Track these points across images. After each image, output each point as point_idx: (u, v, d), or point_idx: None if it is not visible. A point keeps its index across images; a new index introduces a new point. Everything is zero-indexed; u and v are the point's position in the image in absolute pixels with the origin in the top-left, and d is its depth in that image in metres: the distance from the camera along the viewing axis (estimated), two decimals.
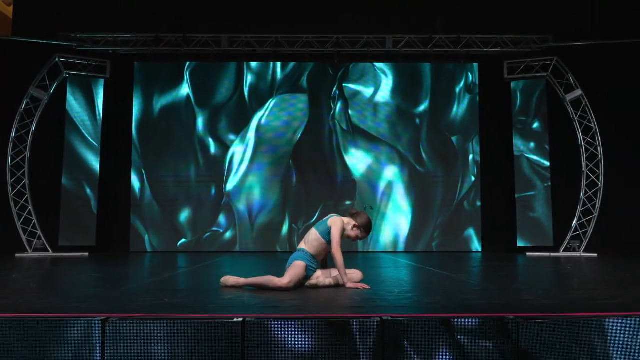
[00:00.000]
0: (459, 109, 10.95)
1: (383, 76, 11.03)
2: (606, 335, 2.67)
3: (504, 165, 10.40)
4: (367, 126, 10.90)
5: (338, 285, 4.18)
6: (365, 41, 10.31)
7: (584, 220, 9.51)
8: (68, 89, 9.78)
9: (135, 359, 2.57)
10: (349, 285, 4.10)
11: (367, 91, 10.98)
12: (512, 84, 10.24)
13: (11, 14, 8.79)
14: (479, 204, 10.74)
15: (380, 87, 10.99)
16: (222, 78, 10.95)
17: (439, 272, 5.83)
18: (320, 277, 4.22)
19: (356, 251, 10.49)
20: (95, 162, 9.82)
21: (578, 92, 9.66)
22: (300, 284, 4.13)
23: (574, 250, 9.44)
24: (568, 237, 9.53)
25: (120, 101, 10.61)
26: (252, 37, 10.28)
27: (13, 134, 9.27)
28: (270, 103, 10.90)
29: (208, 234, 10.62)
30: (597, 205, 9.44)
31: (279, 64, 11.02)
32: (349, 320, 2.63)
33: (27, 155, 9.30)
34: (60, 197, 9.57)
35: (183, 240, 10.56)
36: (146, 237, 10.52)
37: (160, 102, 10.85)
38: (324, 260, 4.40)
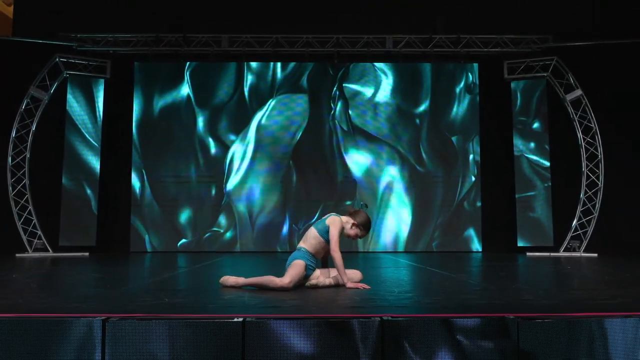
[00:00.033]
0: (459, 109, 10.96)
1: (383, 76, 11.03)
2: (606, 335, 2.67)
3: (504, 165, 10.40)
4: (367, 126, 10.91)
5: (338, 285, 4.18)
6: (365, 41, 10.31)
7: (584, 220, 9.51)
8: (68, 89, 9.79)
9: (136, 358, 2.57)
10: (349, 285, 4.10)
11: (367, 91, 10.98)
12: (512, 84, 10.24)
13: (11, 14, 8.79)
14: (479, 204, 10.74)
15: (380, 87, 10.99)
16: (222, 78, 10.95)
17: (439, 272, 5.83)
18: (320, 277, 4.22)
19: (356, 251, 10.49)
20: (95, 162, 9.82)
21: (578, 92, 9.66)
22: (300, 284, 4.13)
23: (574, 250, 9.44)
24: (568, 237, 9.53)
25: (120, 101, 10.61)
26: (252, 37, 10.28)
27: (13, 134, 9.28)
28: (271, 103, 10.91)
29: (208, 234, 10.62)
30: (597, 205, 9.44)
31: (279, 64, 11.02)
32: (349, 320, 2.63)
33: (28, 155, 9.31)
34: (61, 197, 9.57)
35: (183, 240, 10.57)
36: (146, 237, 10.52)
37: (160, 102, 10.85)
38: (324, 260, 4.41)
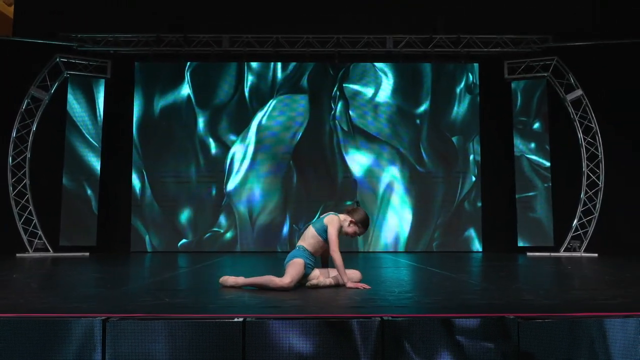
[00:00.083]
0: (459, 109, 10.96)
1: (383, 76, 11.03)
2: (606, 335, 2.67)
3: (505, 166, 10.40)
4: (367, 126, 10.91)
5: (338, 285, 4.17)
6: (365, 41, 10.31)
7: (584, 220, 9.51)
8: (69, 89, 9.79)
9: (136, 358, 2.57)
10: (349, 285, 4.10)
11: (368, 91, 10.99)
12: (513, 84, 10.24)
13: (12, 14, 8.79)
14: (479, 204, 10.74)
15: (380, 87, 10.99)
16: (223, 78, 10.95)
17: (440, 272, 5.83)
18: (321, 277, 4.21)
19: (356, 251, 10.50)
20: (95, 162, 9.83)
21: (578, 92, 9.66)
22: (300, 283, 4.12)
23: (575, 250, 9.44)
24: (568, 237, 9.53)
25: (120, 101, 10.62)
26: (253, 37, 10.29)
27: (14, 134, 9.28)
28: (271, 103, 10.91)
29: (208, 234, 10.62)
30: (598, 205, 9.43)
31: (279, 64, 11.02)
32: (349, 320, 2.63)
33: (28, 155, 9.31)
34: (61, 197, 9.58)
35: (184, 240, 10.57)
36: (147, 237, 10.53)
37: (160, 102, 10.86)
38: (324, 260, 4.40)
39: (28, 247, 9.13)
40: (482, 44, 10.30)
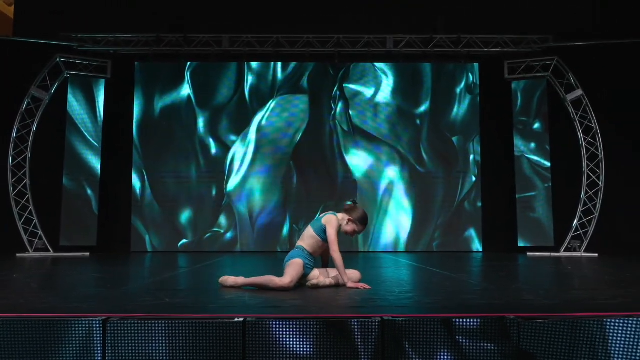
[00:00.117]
0: (459, 109, 10.96)
1: (384, 76, 11.03)
2: (607, 335, 2.67)
3: (505, 166, 10.40)
4: (367, 126, 10.91)
5: (338, 285, 4.17)
6: (366, 41, 10.31)
7: (584, 220, 9.50)
8: (69, 89, 9.79)
9: (136, 359, 2.57)
10: (349, 285, 4.10)
11: (368, 91, 10.99)
12: (513, 84, 10.24)
13: (12, 14, 8.79)
14: (479, 204, 10.74)
15: (380, 87, 10.99)
16: (223, 78, 10.95)
17: (440, 272, 5.83)
18: (321, 277, 4.21)
19: (357, 251, 10.50)
20: (96, 162, 9.83)
21: (579, 92, 9.65)
22: (299, 283, 4.13)
23: (575, 250, 9.44)
24: (569, 237, 9.53)
25: (121, 101, 10.62)
26: (253, 37, 10.29)
27: (14, 134, 9.28)
28: (271, 104, 10.91)
29: (209, 234, 10.62)
30: (598, 205, 9.43)
31: (279, 65, 11.02)
32: (349, 320, 2.63)
33: (28, 155, 9.31)
34: (61, 197, 9.58)
35: (184, 240, 10.57)
36: (147, 237, 10.53)
37: (161, 103, 10.86)
38: (324, 260, 4.40)
39: (28, 247, 9.13)
40: (482, 44, 10.29)
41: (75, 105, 9.83)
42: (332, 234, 4.12)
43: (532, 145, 10.05)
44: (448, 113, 10.95)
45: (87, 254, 9.21)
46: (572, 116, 9.74)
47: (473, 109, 10.95)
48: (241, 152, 10.81)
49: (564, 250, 9.52)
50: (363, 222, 4.27)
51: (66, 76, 9.76)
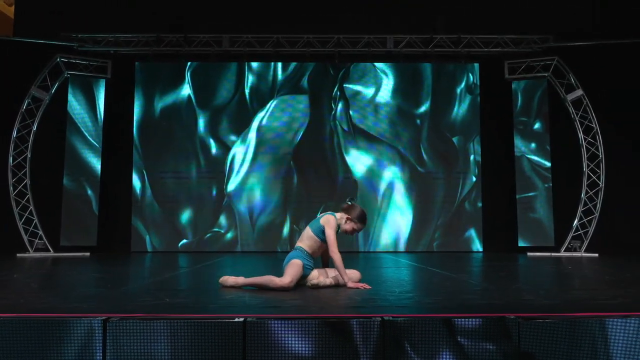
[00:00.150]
0: (459, 109, 10.96)
1: (384, 76, 11.03)
2: (607, 335, 2.67)
3: (505, 166, 10.40)
4: (367, 126, 10.91)
5: (338, 285, 4.17)
6: (366, 41, 10.31)
7: (585, 220, 9.50)
8: (69, 89, 9.80)
9: (137, 359, 2.57)
10: (350, 285, 4.10)
11: (368, 91, 10.99)
12: (513, 84, 10.24)
13: (12, 14, 8.80)
14: (479, 204, 10.74)
15: (381, 87, 10.99)
16: (223, 78, 10.96)
17: (440, 272, 5.83)
18: (321, 277, 4.21)
19: (357, 251, 10.50)
20: (96, 163, 9.83)
21: (579, 92, 9.65)
22: (299, 283, 4.13)
23: (575, 250, 9.43)
24: (569, 237, 9.53)
25: (121, 101, 10.63)
26: (253, 37, 10.29)
27: (14, 134, 9.28)
28: (271, 104, 10.91)
29: (209, 234, 10.62)
30: (598, 205, 9.42)
31: (279, 65, 11.02)
32: (349, 321, 2.63)
33: (29, 155, 9.31)
34: (62, 197, 9.59)
35: (184, 240, 10.57)
36: (147, 237, 10.53)
37: (161, 103, 10.86)
38: (324, 260, 4.40)
39: (28, 247, 9.13)
40: (482, 44, 10.29)
41: (75, 105, 9.83)
42: (330, 234, 4.13)
43: (533, 145, 10.05)
44: (448, 113, 10.95)
45: (88, 254, 9.21)
46: (573, 116, 9.74)
47: (473, 109, 10.95)
48: (241, 152, 10.81)
49: (564, 250, 9.52)
50: (362, 219, 4.28)
51: (66, 76, 9.76)
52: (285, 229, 10.64)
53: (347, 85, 10.98)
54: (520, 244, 9.86)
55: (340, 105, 10.94)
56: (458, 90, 11.00)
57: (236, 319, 2.63)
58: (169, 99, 10.88)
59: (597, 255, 9.10)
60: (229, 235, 10.64)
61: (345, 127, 10.91)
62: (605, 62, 9.90)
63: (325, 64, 10.91)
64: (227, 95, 10.93)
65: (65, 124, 9.72)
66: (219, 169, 10.80)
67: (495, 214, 10.60)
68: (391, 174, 10.82)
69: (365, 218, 4.31)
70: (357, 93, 10.99)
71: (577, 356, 2.64)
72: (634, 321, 2.70)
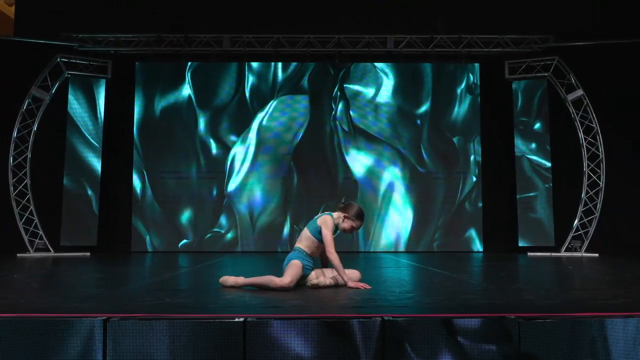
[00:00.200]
0: (460, 110, 10.95)
1: (384, 76, 11.03)
2: (607, 335, 2.67)
3: (505, 166, 10.40)
4: (368, 127, 10.91)
5: (338, 285, 4.17)
6: (366, 41, 10.31)
7: (585, 220, 9.50)
8: (69, 89, 9.80)
9: (137, 358, 2.58)
10: (350, 284, 4.10)
11: (368, 91, 10.99)
12: (514, 84, 10.23)
13: (13, 14, 8.80)
14: (480, 204, 10.74)
15: (381, 87, 10.99)
16: (224, 79, 10.96)
17: (440, 272, 5.83)
18: (321, 277, 4.22)
19: (357, 251, 10.49)
20: (96, 163, 9.83)
21: (579, 92, 9.65)
22: (299, 283, 4.13)
23: (575, 250, 9.43)
24: (569, 237, 9.52)
25: (121, 101, 10.62)
26: (254, 37, 10.29)
27: (15, 134, 9.29)
28: (272, 104, 10.91)
29: (209, 234, 10.62)
30: (599, 205, 9.42)
31: (280, 65, 11.02)
32: (350, 321, 2.63)
33: (29, 155, 9.32)
34: (62, 197, 9.59)
35: (184, 241, 10.57)
36: (147, 237, 10.53)
37: (161, 103, 10.86)
38: (324, 260, 4.40)
39: (29, 247, 9.13)
40: (482, 44, 10.29)
41: (75, 105, 9.83)
42: (327, 235, 4.13)
43: (533, 145, 10.04)
44: (448, 113, 10.95)
45: (88, 254, 9.21)
46: (573, 116, 9.74)
47: (473, 109, 10.95)
48: (242, 153, 10.81)
49: (565, 250, 9.51)
50: (359, 217, 4.28)
51: (67, 76, 9.76)
52: (286, 229, 10.64)
53: (347, 86, 10.98)
54: (521, 244, 9.86)
55: (340, 106, 10.94)
56: (458, 90, 11.00)
57: (236, 319, 2.63)
58: (169, 99, 10.88)
59: (597, 255, 9.10)
60: (229, 235, 10.64)
61: (346, 127, 10.91)
62: (606, 62, 9.89)
63: (326, 64, 10.91)
64: (227, 95, 10.93)
65: (65, 124, 9.72)
66: (219, 169, 10.80)
67: (496, 214, 10.60)
68: (391, 174, 10.82)
69: (363, 215, 4.32)
70: (358, 93, 10.99)
71: (578, 356, 2.64)
72: (635, 321, 2.70)
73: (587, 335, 2.66)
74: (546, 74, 9.96)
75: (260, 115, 10.87)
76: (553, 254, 9.36)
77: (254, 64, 11.01)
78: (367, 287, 4.08)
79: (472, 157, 10.86)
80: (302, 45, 10.30)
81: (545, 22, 9.96)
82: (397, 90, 10.98)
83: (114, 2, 9.67)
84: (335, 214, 4.29)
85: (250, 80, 10.98)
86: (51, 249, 9.23)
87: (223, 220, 10.67)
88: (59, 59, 9.63)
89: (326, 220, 4.19)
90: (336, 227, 4.26)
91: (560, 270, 6.45)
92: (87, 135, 9.82)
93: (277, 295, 3.71)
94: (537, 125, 10.07)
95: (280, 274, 4.11)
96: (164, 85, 10.90)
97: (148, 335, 2.59)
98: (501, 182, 10.57)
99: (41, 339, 2.60)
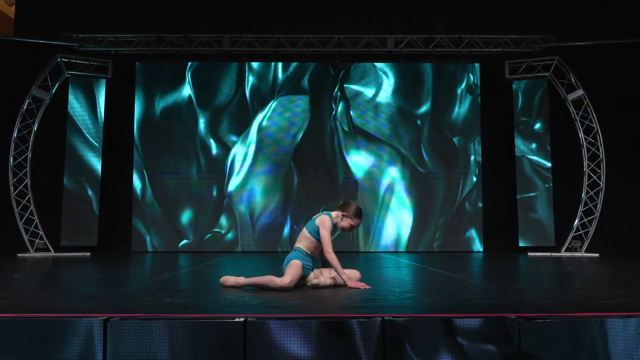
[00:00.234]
0: (460, 110, 10.95)
1: (384, 76, 11.03)
2: (607, 335, 2.67)
3: (505, 166, 10.40)
4: (368, 127, 10.90)
5: (338, 285, 4.17)
6: (366, 41, 10.31)
7: (585, 220, 9.50)
8: (70, 89, 9.80)
9: (137, 358, 2.58)
10: (350, 284, 4.10)
11: (369, 92, 10.98)
12: (514, 84, 10.23)
13: (13, 14, 8.80)
14: (480, 204, 10.73)
15: (381, 87, 10.99)
16: (224, 79, 10.96)
17: (441, 272, 5.83)
18: (321, 277, 4.22)
19: (357, 251, 10.49)
20: (96, 163, 9.83)
21: (579, 92, 9.65)
22: (299, 283, 4.13)
23: (576, 250, 9.43)
24: (569, 237, 9.52)
25: (121, 101, 10.62)
26: (254, 37, 10.29)
27: (15, 134, 9.29)
28: (272, 104, 10.91)
29: (209, 234, 10.62)
30: (599, 205, 9.42)
31: (280, 65, 11.02)
32: (350, 320, 2.63)
33: (29, 156, 9.32)
34: (62, 197, 9.59)
35: (185, 241, 10.57)
36: (147, 237, 10.53)
37: (161, 103, 10.86)
38: (324, 260, 4.40)
39: (29, 247, 9.13)
40: (483, 43, 10.29)
41: (76, 105, 9.83)
42: (324, 234, 4.13)
43: (533, 145, 10.04)
44: (449, 113, 10.95)
45: (88, 254, 9.21)
46: (573, 116, 9.74)
47: (474, 109, 10.95)
48: (242, 153, 10.81)
49: (565, 250, 9.51)
50: (358, 215, 4.29)
51: (67, 76, 9.77)
52: (286, 229, 10.64)
53: (347, 86, 10.98)
54: (521, 244, 9.86)
55: (340, 106, 10.94)
56: (459, 91, 10.99)
57: (236, 319, 2.63)
58: (169, 99, 10.88)
59: (597, 255, 9.10)
60: (229, 235, 10.64)
61: (346, 128, 10.91)
62: (606, 62, 9.89)
63: (326, 64, 10.91)
64: (227, 95, 10.93)
65: (65, 124, 9.72)
66: (219, 169, 10.80)
67: (496, 214, 10.59)
68: (392, 174, 10.82)
69: (361, 213, 4.33)
70: (358, 93, 10.99)
71: (578, 356, 2.63)
72: (635, 321, 2.70)
73: (587, 336, 2.66)
74: (546, 74, 9.96)
75: (260, 115, 10.87)
76: (553, 254, 9.36)
77: (254, 64, 11.02)
78: (367, 287, 4.07)
79: (472, 157, 10.86)
80: (302, 45, 10.30)
81: (546, 22, 9.95)
82: (397, 90, 10.98)
83: (114, 2, 9.67)
84: (334, 213, 4.29)
85: (250, 80, 10.99)
86: (51, 249, 9.23)
87: (223, 220, 10.67)
88: (59, 59, 9.63)
89: (324, 220, 4.19)
90: (335, 227, 4.26)
91: (561, 270, 6.44)
92: (87, 135, 9.83)
93: (277, 295, 3.71)
94: (538, 125, 10.07)
95: (280, 274, 4.11)
96: (164, 85, 10.90)
97: (148, 335, 2.59)
98: (501, 182, 10.57)
99: (41, 339, 2.60)
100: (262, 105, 10.91)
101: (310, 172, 10.80)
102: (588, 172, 9.58)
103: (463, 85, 11.00)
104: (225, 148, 10.83)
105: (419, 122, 10.93)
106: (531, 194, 9.94)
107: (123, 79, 10.52)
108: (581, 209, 9.53)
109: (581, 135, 9.68)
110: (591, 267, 6.75)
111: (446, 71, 11.04)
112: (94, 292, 4.07)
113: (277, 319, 2.65)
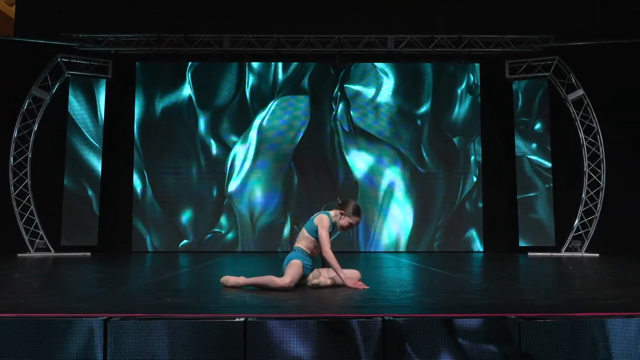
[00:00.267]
0: (460, 110, 10.95)
1: (384, 77, 11.02)
2: (607, 335, 2.67)
3: (506, 166, 10.40)
4: (368, 127, 10.90)
5: (338, 285, 4.17)
6: (366, 41, 10.31)
7: (585, 220, 9.50)
8: (70, 89, 9.80)
9: (137, 358, 2.58)
10: (349, 283, 4.10)
11: (369, 92, 10.98)
12: (514, 84, 10.23)
13: (13, 14, 8.80)
14: (480, 204, 10.73)
15: (381, 87, 10.99)
16: (224, 79, 10.95)
17: (441, 272, 5.83)
18: (321, 277, 4.22)
19: (357, 251, 10.49)
20: (96, 163, 9.83)
21: (580, 92, 9.65)
22: (299, 283, 4.13)
23: (576, 250, 9.43)
24: (570, 237, 9.52)
25: (122, 101, 10.62)
26: (254, 37, 10.29)
27: (15, 134, 9.29)
28: (272, 104, 10.91)
29: (209, 234, 10.62)
30: (599, 205, 9.42)
31: (280, 65, 11.02)
32: (350, 321, 2.63)
33: (29, 156, 9.32)
34: (62, 197, 9.59)
35: (185, 241, 10.57)
36: (147, 237, 10.53)
37: (162, 103, 10.86)
38: (324, 259, 4.40)
39: (29, 247, 9.13)
40: (483, 43, 10.29)
41: (76, 105, 9.84)
42: (322, 234, 4.13)
43: (533, 145, 10.04)
44: (449, 113, 10.95)
45: (88, 254, 9.22)
46: (573, 116, 9.73)
47: (474, 109, 10.95)
48: (242, 153, 10.81)
49: (565, 250, 9.51)
50: (356, 213, 4.28)
51: (67, 76, 9.77)
52: (286, 229, 10.64)
53: (347, 86, 10.98)
54: (521, 244, 9.86)
55: (340, 106, 10.94)
56: (459, 91, 10.99)
57: (237, 319, 2.63)
58: (169, 99, 10.88)
59: (597, 255, 9.10)
60: (229, 235, 10.64)
61: (346, 128, 10.91)
62: (606, 62, 9.89)
63: (326, 64, 10.91)
64: (227, 95, 10.93)
65: (65, 124, 9.73)
66: (219, 170, 10.80)
67: (496, 214, 10.59)
68: (392, 174, 10.82)
69: (360, 211, 4.32)
70: (358, 93, 10.98)
71: (578, 356, 2.63)
72: (635, 321, 2.70)
73: (588, 336, 2.66)
74: (547, 74, 9.96)
75: (260, 116, 10.87)
76: (553, 254, 9.36)
77: (254, 64, 11.02)
78: (365, 287, 4.07)
79: (472, 157, 10.86)
80: (303, 45, 10.30)
81: (546, 22, 9.95)
82: (397, 91, 10.98)
83: (114, 2, 9.67)
84: (333, 212, 4.29)
85: (250, 80, 10.99)
86: (52, 249, 9.23)
87: (223, 220, 10.67)
88: (59, 59, 9.63)
89: (322, 219, 4.19)
90: (334, 226, 4.26)
91: (561, 270, 6.44)
92: (87, 135, 9.83)
93: (277, 295, 3.71)
94: (538, 126, 10.07)
95: (280, 274, 4.11)
96: (165, 85, 10.90)
97: (148, 335, 2.59)
98: (501, 182, 10.57)
99: (41, 338, 2.60)
100: (263, 105, 10.91)
101: (310, 172, 10.80)
102: (588, 172, 9.58)
103: (463, 85, 11.00)
104: (226, 148, 10.83)
105: (419, 122, 10.93)
106: (531, 194, 9.93)
107: (123, 79, 10.52)
108: (581, 209, 9.53)
109: (581, 135, 9.68)
110: (591, 267, 6.75)
111: (446, 71, 11.04)
112: (94, 292, 4.07)
113: (277, 319, 2.65)
